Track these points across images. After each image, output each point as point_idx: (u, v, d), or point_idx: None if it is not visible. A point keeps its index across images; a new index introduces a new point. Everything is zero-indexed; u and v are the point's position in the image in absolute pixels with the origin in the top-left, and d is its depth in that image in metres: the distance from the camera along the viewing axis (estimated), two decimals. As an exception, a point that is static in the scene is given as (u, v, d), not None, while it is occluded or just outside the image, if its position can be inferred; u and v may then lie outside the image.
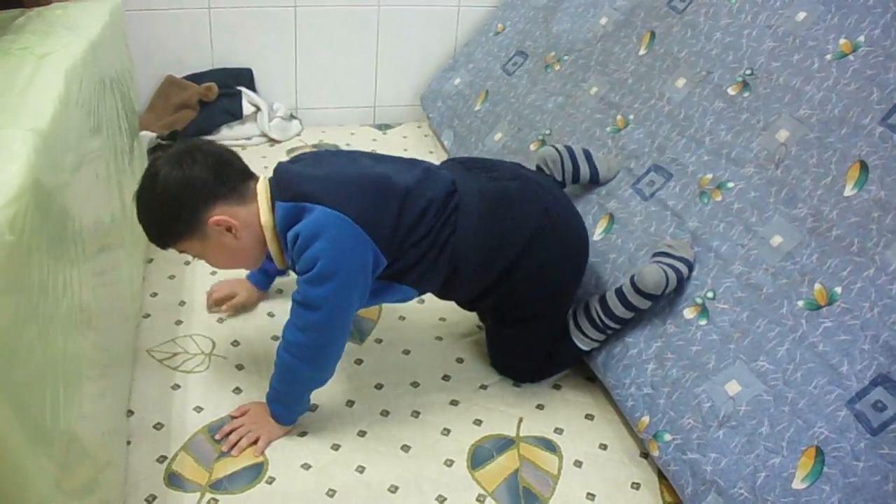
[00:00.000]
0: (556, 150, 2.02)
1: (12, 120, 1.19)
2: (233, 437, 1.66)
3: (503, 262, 1.71)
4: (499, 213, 1.68)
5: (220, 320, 2.03)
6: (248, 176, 1.61)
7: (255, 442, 1.67)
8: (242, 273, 2.08)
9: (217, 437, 1.68)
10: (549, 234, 1.71)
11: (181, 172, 1.52)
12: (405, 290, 1.70)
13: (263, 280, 2.08)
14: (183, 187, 1.52)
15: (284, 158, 1.80)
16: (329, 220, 1.50)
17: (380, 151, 2.92)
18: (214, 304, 2.06)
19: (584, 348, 1.84)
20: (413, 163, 1.73)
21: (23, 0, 2.01)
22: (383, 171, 1.62)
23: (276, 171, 1.62)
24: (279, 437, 1.69)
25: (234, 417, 1.72)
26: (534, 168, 2.01)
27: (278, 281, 2.15)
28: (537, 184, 1.78)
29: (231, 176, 1.57)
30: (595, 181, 2.07)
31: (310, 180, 1.55)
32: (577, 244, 1.81)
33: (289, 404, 1.68)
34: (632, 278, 1.74)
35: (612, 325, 1.79)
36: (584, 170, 2.04)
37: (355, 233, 1.51)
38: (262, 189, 1.59)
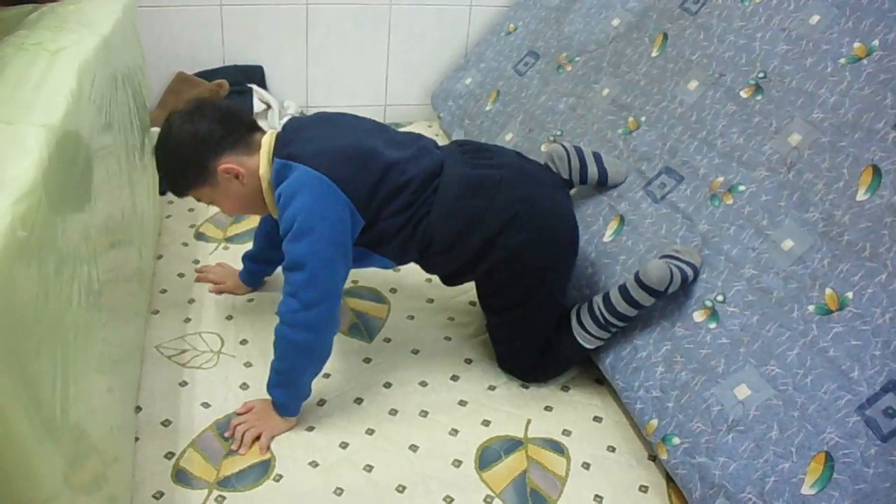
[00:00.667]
0: (564, 147, 2.02)
1: (25, 116, 1.19)
2: (237, 433, 1.67)
3: (475, 243, 1.75)
4: (474, 199, 1.73)
5: (229, 318, 2.03)
6: (256, 129, 1.73)
7: (259, 438, 1.67)
8: (238, 265, 2.17)
9: (226, 434, 1.68)
10: (525, 221, 1.74)
11: (191, 126, 1.66)
12: (383, 260, 1.79)
13: (249, 279, 2.15)
14: (193, 140, 1.66)
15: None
16: (307, 178, 1.59)
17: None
18: (202, 279, 2.19)
19: (588, 346, 1.83)
20: (413, 140, 1.79)
21: (36, -5, 2.01)
22: (374, 145, 1.69)
23: (284, 127, 1.74)
24: (283, 432, 1.70)
25: (239, 414, 1.72)
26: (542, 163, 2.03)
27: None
28: (526, 173, 1.82)
29: (238, 128, 1.70)
30: (603, 183, 2.07)
31: (302, 141, 1.66)
32: (555, 234, 1.81)
33: (290, 388, 1.68)
34: (636, 273, 1.74)
35: (615, 321, 1.79)
36: (593, 170, 2.04)
37: (331, 190, 1.59)
38: (267, 142, 1.69)
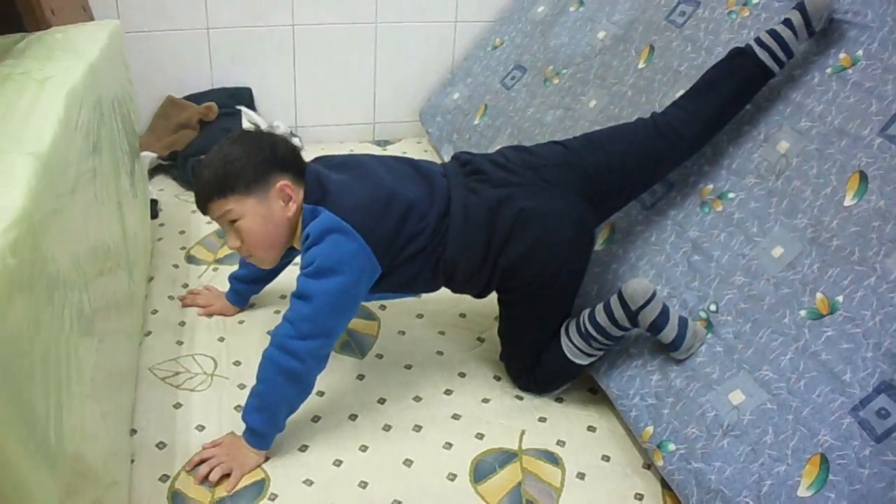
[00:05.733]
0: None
1: (14, 145, 1.19)
2: (203, 469, 1.62)
3: (489, 265, 1.77)
4: (481, 230, 1.74)
5: (221, 339, 2.03)
6: (305, 170, 1.74)
7: (228, 475, 1.63)
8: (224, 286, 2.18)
9: (188, 468, 1.65)
10: (521, 234, 1.74)
11: (270, 138, 1.73)
12: (408, 295, 1.94)
13: (237, 299, 2.15)
14: (270, 146, 1.69)
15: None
16: (333, 224, 1.61)
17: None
18: (190, 303, 2.17)
19: (571, 357, 1.81)
20: (422, 174, 1.78)
21: (24, 24, 2.02)
22: (392, 184, 1.72)
23: (307, 172, 1.73)
24: (252, 469, 1.66)
25: (206, 448, 1.69)
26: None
27: (275, 301, 2.18)
28: (522, 187, 1.77)
29: (300, 162, 1.74)
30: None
31: (326, 185, 1.67)
32: (552, 241, 1.76)
33: (266, 413, 1.64)
34: (620, 288, 1.74)
35: (595, 334, 1.76)
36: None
37: (355, 240, 1.61)
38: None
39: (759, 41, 1.85)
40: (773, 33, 1.84)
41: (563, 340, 1.82)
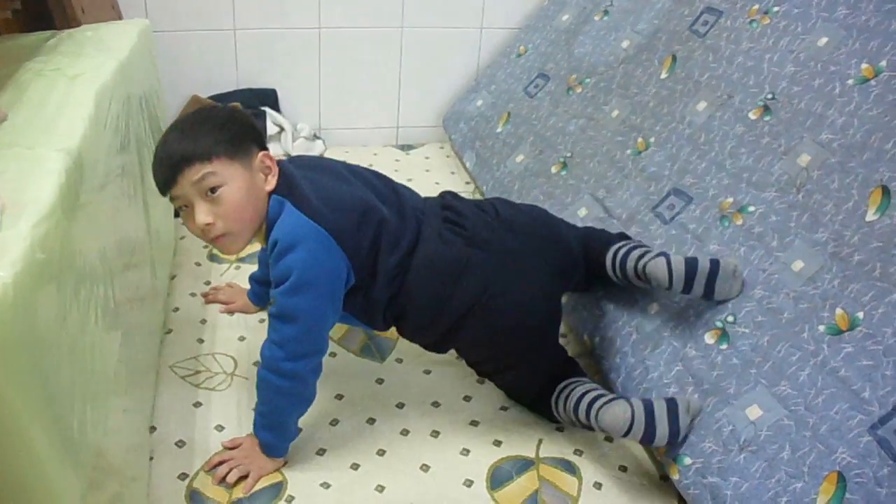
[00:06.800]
0: (668, 268, 1.69)
1: (45, 140, 1.21)
2: (221, 470, 1.63)
3: (441, 327, 1.72)
4: (440, 285, 1.67)
5: (242, 339, 2.05)
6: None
7: (245, 476, 1.63)
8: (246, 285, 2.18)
9: (206, 468, 1.66)
10: (483, 312, 1.69)
11: (245, 114, 1.74)
12: (365, 327, 1.78)
13: (257, 300, 2.14)
14: (249, 119, 1.66)
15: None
16: (307, 229, 1.52)
17: (402, 172, 2.95)
18: (212, 299, 2.18)
19: (557, 418, 1.80)
20: (398, 201, 1.72)
21: (55, 22, 2.04)
22: (366, 197, 1.65)
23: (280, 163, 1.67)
24: (270, 472, 1.66)
25: (226, 448, 1.70)
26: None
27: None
28: (499, 253, 1.70)
29: (266, 145, 1.66)
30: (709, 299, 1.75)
31: (292, 179, 1.59)
32: (513, 326, 1.72)
33: (275, 430, 1.64)
34: (598, 411, 1.63)
35: (573, 417, 1.70)
36: (698, 291, 1.71)
37: (330, 245, 1.54)
38: None
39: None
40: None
41: (553, 409, 1.79)
